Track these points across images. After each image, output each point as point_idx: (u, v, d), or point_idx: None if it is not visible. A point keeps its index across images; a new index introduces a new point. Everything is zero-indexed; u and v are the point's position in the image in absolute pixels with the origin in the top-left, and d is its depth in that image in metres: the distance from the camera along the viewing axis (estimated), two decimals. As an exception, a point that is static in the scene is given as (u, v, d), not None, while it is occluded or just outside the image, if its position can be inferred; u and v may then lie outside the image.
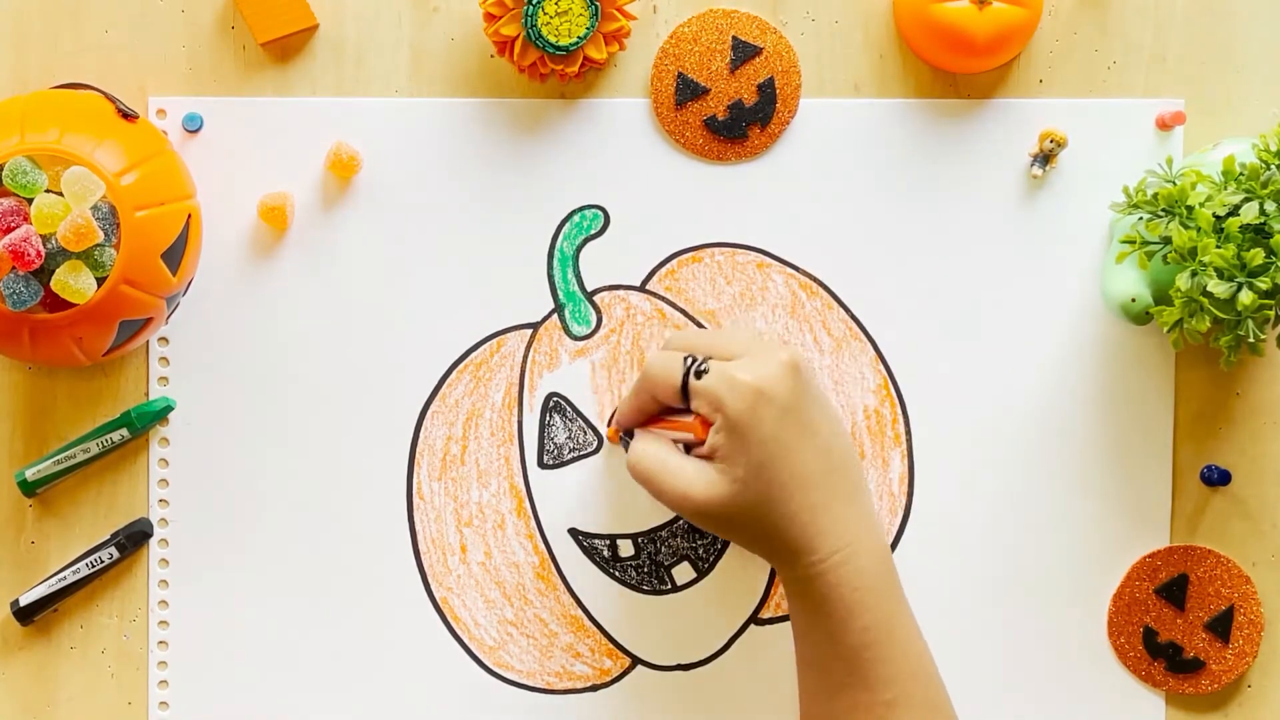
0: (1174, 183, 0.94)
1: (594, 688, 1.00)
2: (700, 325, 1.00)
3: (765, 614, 1.00)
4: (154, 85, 1.00)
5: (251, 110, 1.00)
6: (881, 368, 1.00)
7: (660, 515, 1.00)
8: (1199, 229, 0.90)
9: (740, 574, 1.00)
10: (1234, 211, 0.90)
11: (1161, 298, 0.95)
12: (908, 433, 1.00)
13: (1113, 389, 1.00)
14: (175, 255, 0.93)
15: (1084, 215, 1.00)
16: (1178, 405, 1.00)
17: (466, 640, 1.00)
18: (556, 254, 1.00)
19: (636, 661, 1.00)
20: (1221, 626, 1.00)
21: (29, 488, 0.99)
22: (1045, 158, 0.99)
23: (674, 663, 1.01)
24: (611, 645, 1.00)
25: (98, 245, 0.90)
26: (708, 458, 0.90)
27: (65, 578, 0.99)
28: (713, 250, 1.00)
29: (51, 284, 0.90)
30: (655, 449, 0.92)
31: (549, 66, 0.97)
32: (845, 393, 1.00)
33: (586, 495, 1.00)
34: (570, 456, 1.00)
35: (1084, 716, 1.00)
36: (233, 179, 0.99)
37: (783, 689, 1.00)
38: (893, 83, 1.00)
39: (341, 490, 1.00)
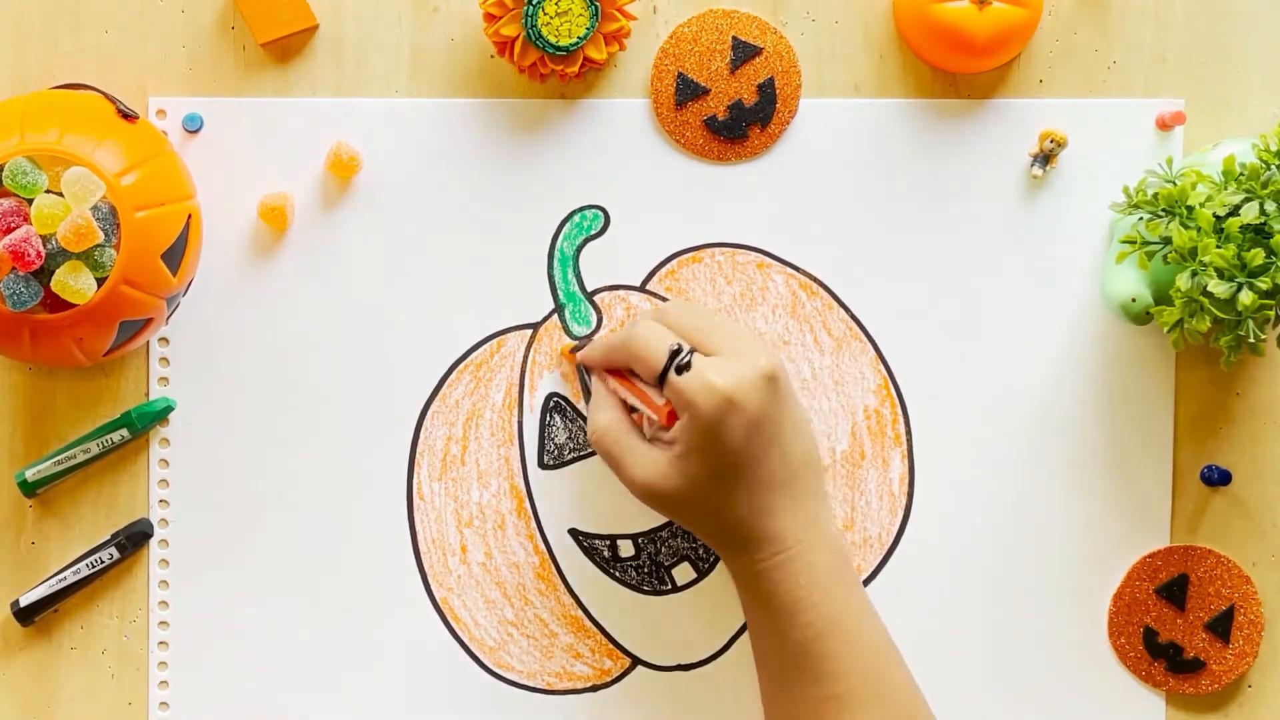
0: (1174, 183, 0.94)
1: (594, 688, 1.00)
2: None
3: (765, 614, 1.01)
4: (154, 85, 1.00)
5: (251, 110, 1.00)
6: (881, 368, 1.00)
7: (660, 516, 1.00)
8: (1199, 229, 0.90)
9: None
10: (1234, 211, 0.90)
11: (1161, 298, 0.95)
12: (908, 433, 1.00)
13: (1113, 389, 1.00)
14: (175, 255, 0.93)
15: (1084, 215, 1.00)
16: (1178, 405, 1.00)
17: (467, 640, 1.00)
18: (556, 254, 1.00)
19: (636, 661, 1.00)
20: (1222, 626, 1.00)
21: (29, 488, 0.99)
22: (1045, 158, 0.99)
23: (674, 663, 1.01)
24: (612, 645, 1.00)
25: (98, 245, 0.90)
26: (666, 444, 0.90)
27: (65, 578, 0.99)
28: (713, 250, 1.00)
29: (51, 284, 0.90)
30: (619, 427, 0.92)
31: (549, 67, 0.97)
32: (845, 393, 1.00)
33: (587, 495, 1.00)
34: (570, 457, 1.00)
35: (1084, 716, 1.00)
36: (233, 179, 0.99)
37: (783, 689, 1.00)
38: (893, 83, 1.00)
39: (342, 490, 1.00)
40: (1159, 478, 1.00)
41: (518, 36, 0.96)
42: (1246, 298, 0.88)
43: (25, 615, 0.99)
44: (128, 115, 0.94)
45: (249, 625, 1.00)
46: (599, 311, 1.00)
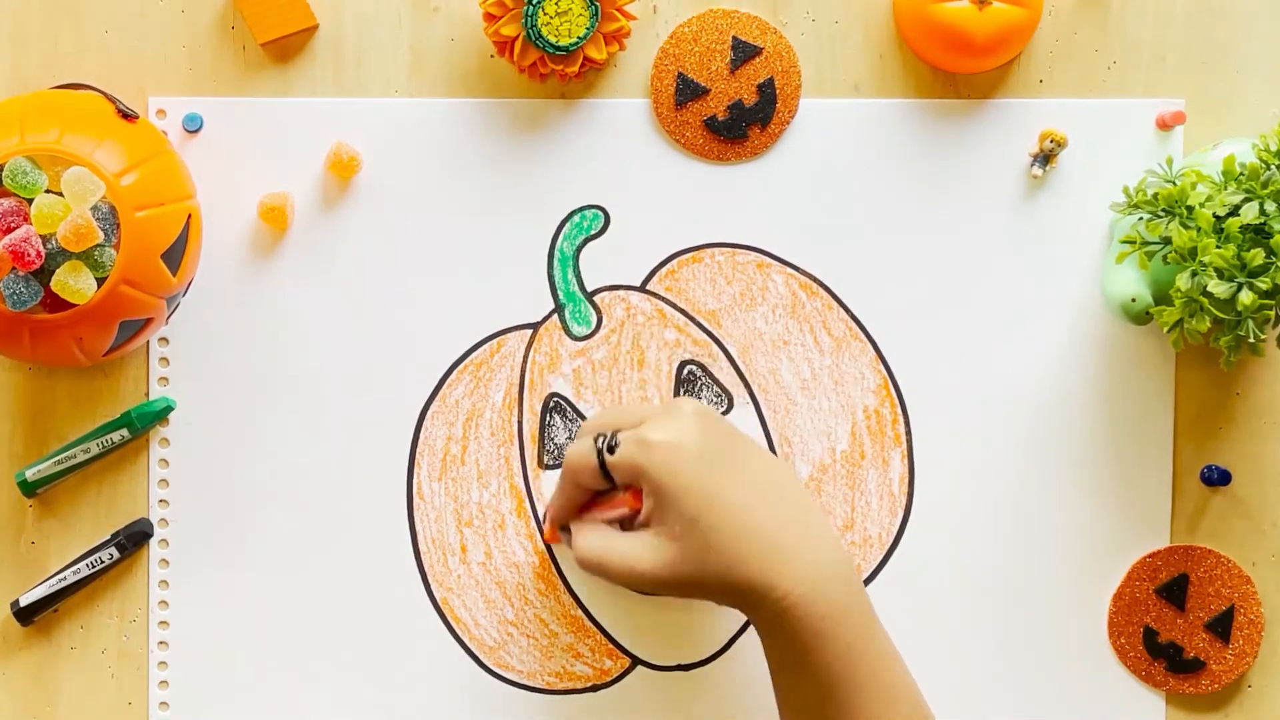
0: (1174, 183, 0.94)
1: (594, 688, 1.00)
2: (702, 327, 1.00)
3: (765, 614, 1.00)
4: (154, 85, 1.00)
5: (251, 110, 1.00)
6: (881, 368, 1.00)
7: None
8: (1199, 229, 0.90)
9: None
10: (1234, 211, 0.90)
11: (1161, 298, 0.95)
12: (908, 433, 1.00)
13: (1113, 389, 1.00)
14: (175, 255, 0.93)
15: (1084, 215, 1.00)
16: (1178, 405, 1.00)
17: (467, 640, 1.00)
18: (556, 254, 1.00)
19: (636, 661, 1.00)
20: (1222, 626, 1.00)
21: (29, 488, 0.99)
22: (1045, 158, 0.99)
23: (674, 663, 1.01)
24: (611, 645, 1.00)
25: (98, 245, 0.90)
26: (645, 525, 0.89)
27: (65, 578, 0.99)
28: (713, 250, 1.00)
29: (51, 284, 0.90)
30: (596, 536, 0.91)
31: (549, 66, 0.97)
32: (845, 393, 1.00)
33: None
34: (570, 456, 1.00)
35: (1084, 716, 1.00)
36: (233, 179, 0.99)
37: (783, 689, 1.00)
38: (893, 83, 1.00)
39: (342, 490, 1.00)
40: (1159, 478, 1.00)
41: (518, 36, 0.96)
42: (1246, 298, 0.88)
43: (25, 615, 0.99)
44: (128, 115, 0.94)
45: (249, 625, 1.00)
46: (599, 311, 1.00)
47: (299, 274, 1.00)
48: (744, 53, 0.99)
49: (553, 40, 0.96)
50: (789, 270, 1.00)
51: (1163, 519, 1.00)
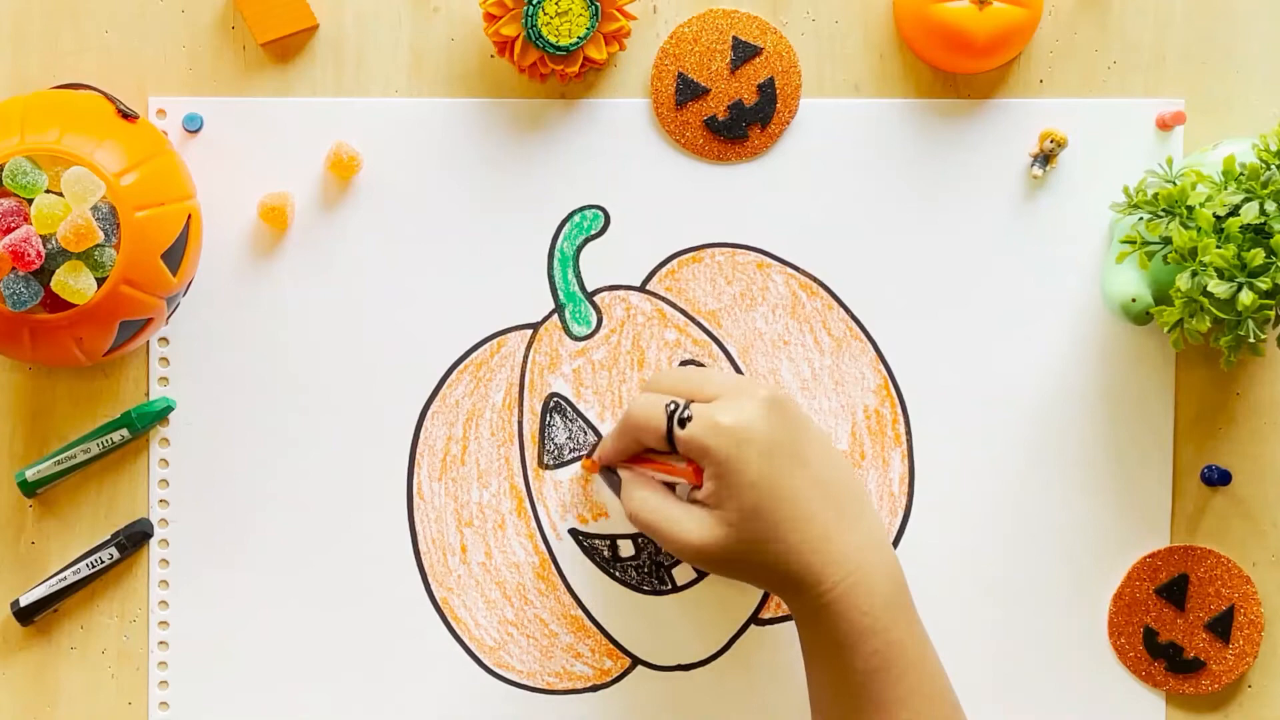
0: (1174, 183, 0.94)
1: (594, 688, 1.00)
2: (702, 327, 1.00)
3: (765, 614, 1.01)
4: (154, 85, 1.00)
5: (251, 110, 1.00)
6: (881, 368, 1.00)
7: (660, 515, 1.00)
8: (1199, 229, 0.90)
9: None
10: (1234, 211, 0.90)
11: (1161, 298, 0.95)
12: (908, 433, 1.00)
13: (1113, 389, 1.00)
14: (175, 255, 0.93)
15: (1084, 215, 1.00)
16: (1178, 405, 1.00)
17: (467, 640, 1.00)
18: (557, 254, 1.00)
19: (636, 661, 1.00)
20: (1222, 626, 1.00)
21: (29, 488, 0.99)
22: (1045, 158, 0.99)
23: (674, 663, 1.01)
24: (612, 645, 1.00)
25: (98, 245, 0.90)
26: (703, 502, 0.90)
27: (65, 578, 0.99)
28: (713, 250, 1.00)
29: (51, 284, 0.90)
30: (654, 497, 0.92)
31: (549, 66, 0.97)
32: (845, 393, 1.00)
33: (587, 495, 1.00)
34: (570, 456, 1.00)
35: (1084, 716, 1.00)
36: (233, 179, 0.99)
37: (782, 689, 1.00)
38: (893, 83, 1.00)
39: (342, 490, 1.00)
40: (1159, 478, 1.00)
41: (518, 36, 0.96)
42: (1246, 298, 0.88)
43: (25, 615, 0.99)
44: (128, 115, 0.94)
45: (249, 625, 1.00)
46: (599, 311, 1.00)
47: (299, 274, 1.00)
48: (744, 53, 0.99)
49: (553, 40, 0.96)
50: (789, 270, 1.00)
51: (1163, 519, 1.00)
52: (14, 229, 0.90)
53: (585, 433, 1.00)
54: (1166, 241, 0.91)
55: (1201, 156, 0.96)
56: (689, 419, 0.89)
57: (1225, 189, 0.91)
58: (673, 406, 0.90)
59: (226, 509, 1.00)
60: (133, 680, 1.00)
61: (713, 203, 1.00)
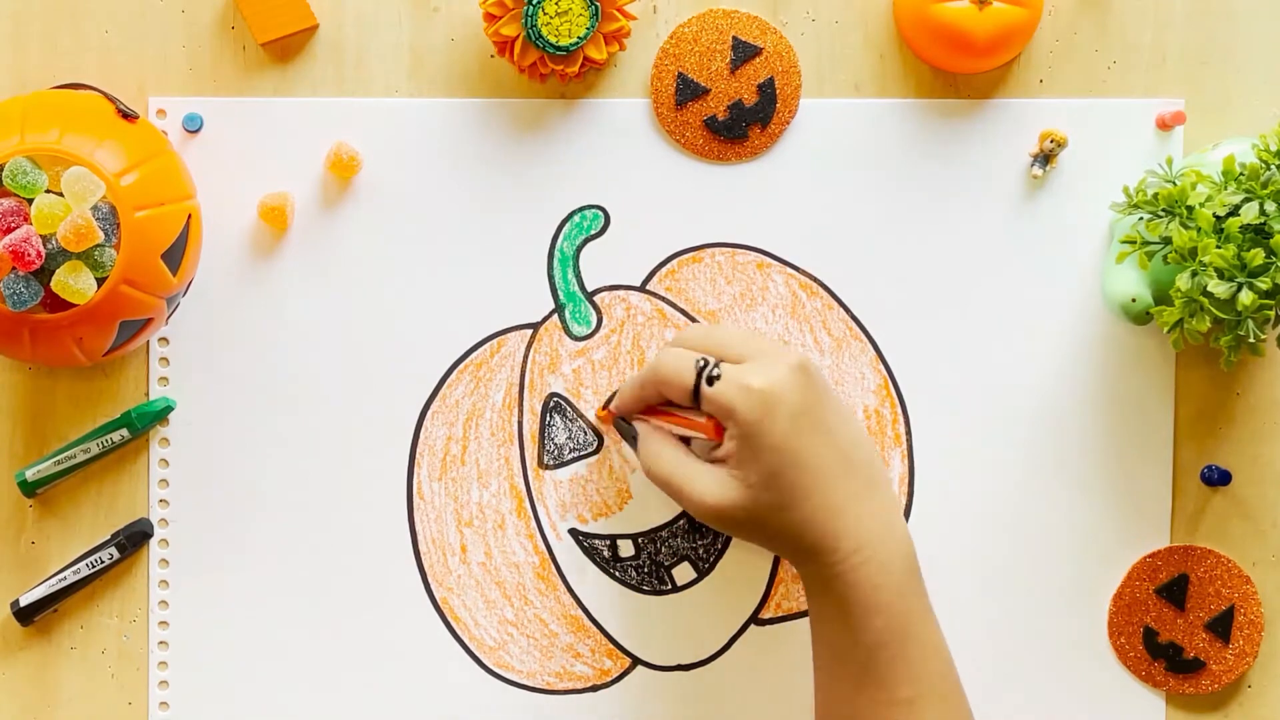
0: (1174, 183, 0.94)
1: (594, 688, 1.00)
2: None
3: (765, 614, 1.01)
4: (154, 85, 1.00)
5: (251, 110, 1.00)
6: (881, 368, 1.00)
7: (660, 516, 1.00)
8: (1199, 229, 0.90)
9: (740, 574, 1.00)
10: (1234, 211, 0.90)
11: (1161, 298, 0.95)
12: (908, 433, 1.00)
13: (1113, 389, 1.00)
14: (175, 255, 0.93)
15: (1084, 215, 1.00)
16: (1178, 405, 1.00)
17: (466, 640, 1.00)
18: (557, 254, 1.00)
19: (636, 662, 1.00)
20: (1222, 626, 1.00)
21: (29, 488, 0.99)
22: (1045, 158, 0.99)
23: (674, 663, 1.01)
24: (611, 645, 1.00)
25: (98, 245, 0.90)
26: (721, 461, 0.90)
27: (65, 578, 0.99)
28: (713, 250, 1.00)
29: (52, 284, 0.90)
30: (671, 452, 0.92)
31: (549, 66, 0.97)
32: (845, 393, 1.00)
33: (587, 495, 1.00)
34: (570, 456, 1.00)
35: (1084, 716, 1.00)
36: (233, 179, 0.99)
37: (783, 689, 1.00)
38: (893, 83, 1.00)
39: (342, 490, 1.00)
40: (1159, 478, 1.00)
41: (518, 36, 0.96)
42: (1246, 298, 0.88)
43: (25, 615, 0.99)
44: (128, 115, 0.94)
45: (249, 625, 1.00)
46: (599, 311, 1.00)
47: (299, 274, 1.00)
48: (744, 53, 0.99)
49: (553, 40, 0.96)
50: (789, 270, 1.00)
51: (1163, 519, 1.00)
52: (14, 229, 0.90)
53: (585, 433, 1.00)
54: (1166, 241, 0.91)
55: (1201, 156, 0.96)
56: (718, 377, 0.89)
57: (1225, 189, 0.91)
58: (703, 363, 0.90)
59: (226, 509, 1.00)
60: (133, 680, 1.00)
61: (713, 203, 1.00)
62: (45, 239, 0.90)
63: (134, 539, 0.99)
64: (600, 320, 1.00)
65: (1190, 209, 0.91)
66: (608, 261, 1.00)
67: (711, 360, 0.90)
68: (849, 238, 1.00)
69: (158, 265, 0.92)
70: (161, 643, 1.00)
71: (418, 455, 1.00)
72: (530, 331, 1.00)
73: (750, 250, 1.00)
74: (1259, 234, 0.89)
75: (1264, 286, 0.88)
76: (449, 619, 1.00)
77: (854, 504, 0.89)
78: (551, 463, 1.00)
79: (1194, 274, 0.89)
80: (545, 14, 0.95)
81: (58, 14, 0.99)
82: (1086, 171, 1.00)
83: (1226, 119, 1.00)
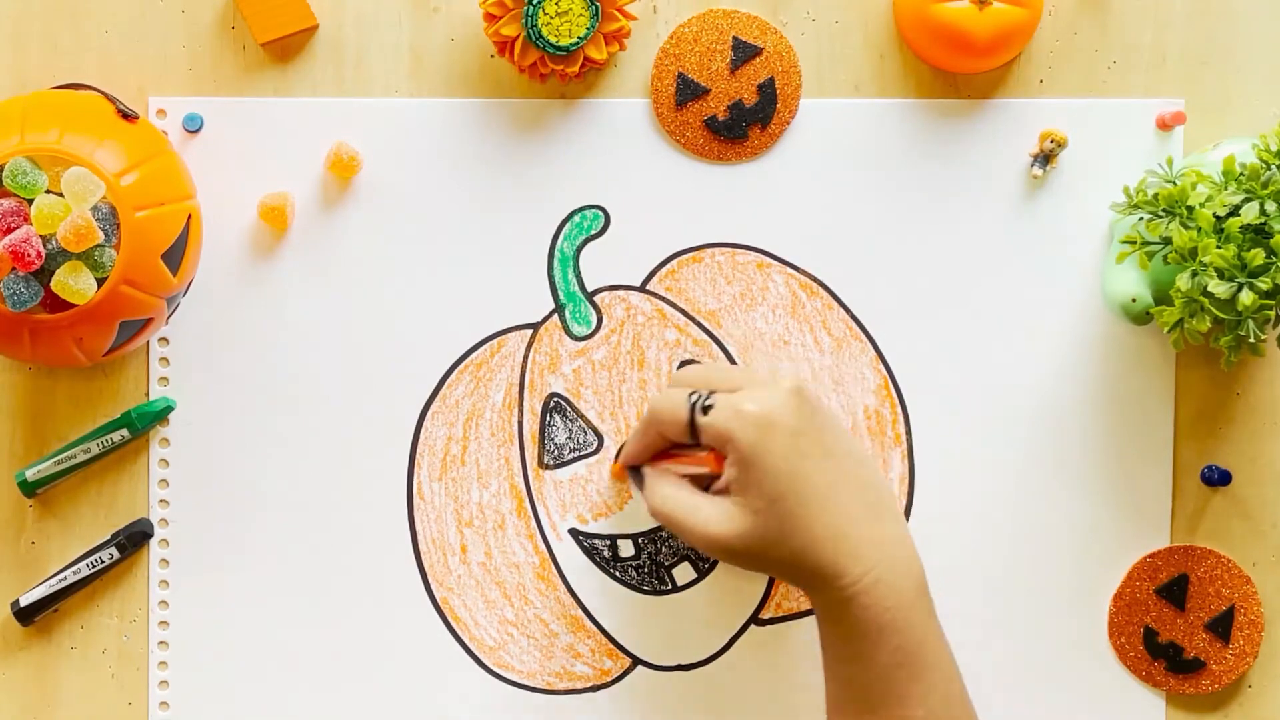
0: (1174, 183, 0.94)
1: (594, 688, 1.00)
2: (702, 327, 1.00)
3: (765, 614, 1.01)
4: (154, 85, 1.00)
5: (251, 110, 1.00)
6: (881, 368, 1.00)
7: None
8: (1199, 229, 0.90)
9: (741, 574, 1.00)
10: (1234, 211, 0.90)
11: (1162, 298, 0.95)
12: (908, 433, 1.00)
13: (1113, 389, 1.00)
14: (175, 255, 0.93)
15: (1084, 215, 1.00)
16: (1178, 405, 1.00)
17: (466, 640, 1.00)
18: (557, 254, 1.00)
19: (637, 662, 1.00)
20: (1222, 626, 1.00)
21: (29, 488, 0.99)
22: (1045, 158, 0.99)
23: (674, 663, 1.01)
24: (612, 645, 1.00)
25: (98, 246, 0.90)
26: (724, 492, 0.89)
27: (65, 578, 0.99)
28: (713, 250, 1.00)
29: (52, 284, 0.90)
30: (675, 490, 0.92)
31: (549, 66, 0.97)
32: (845, 393, 1.00)
33: (587, 495, 1.00)
34: (570, 456, 1.00)
35: (1084, 716, 1.00)
36: (233, 179, 0.99)
37: (783, 689, 1.00)
38: (893, 83, 1.00)
39: (342, 490, 1.00)
40: (1159, 478, 1.00)
41: (518, 36, 0.96)
42: (1246, 298, 0.88)
43: (25, 615, 0.99)
44: (128, 115, 0.94)
45: (249, 625, 1.00)
46: (599, 311, 1.00)
47: (299, 274, 1.00)
48: (744, 53, 0.99)
49: (553, 40, 0.96)
50: (789, 270, 1.00)
51: (1163, 519, 1.00)
52: (14, 229, 0.90)
53: (585, 433, 1.00)
54: (1166, 241, 0.91)
55: (1201, 156, 0.96)
56: (711, 407, 0.89)
57: (1225, 189, 0.91)
58: (695, 397, 0.90)
59: (226, 509, 1.00)
60: (133, 680, 1.00)
61: (713, 203, 1.00)
62: (45, 239, 0.90)
63: (134, 539, 0.99)
64: (600, 320, 1.00)
65: (1190, 209, 0.91)
66: (608, 261, 1.00)
67: (704, 392, 0.90)
68: (849, 238, 1.00)
69: (158, 265, 0.92)
70: (161, 643, 1.00)
71: (418, 455, 1.00)
72: (530, 331, 1.00)
73: (750, 250, 1.00)
74: (1259, 234, 0.89)
75: (1264, 286, 0.88)
76: (449, 619, 1.00)
77: (860, 527, 0.88)
78: (551, 463, 1.00)
79: (1194, 274, 0.89)
80: (545, 14, 0.95)
81: (58, 14, 0.99)
82: (1086, 171, 1.00)
83: (1226, 119, 1.00)
